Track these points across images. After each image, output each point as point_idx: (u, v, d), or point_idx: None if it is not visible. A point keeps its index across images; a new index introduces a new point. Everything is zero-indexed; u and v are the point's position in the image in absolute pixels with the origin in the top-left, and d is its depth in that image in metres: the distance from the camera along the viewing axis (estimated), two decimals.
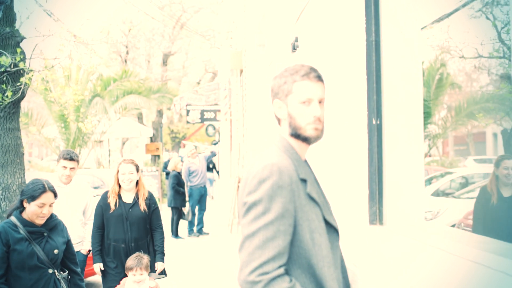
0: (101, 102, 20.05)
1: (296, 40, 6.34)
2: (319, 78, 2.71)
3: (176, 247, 13.75)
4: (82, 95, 18.80)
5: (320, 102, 2.69)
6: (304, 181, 2.61)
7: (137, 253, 6.10)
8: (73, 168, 6.92)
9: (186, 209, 15.30)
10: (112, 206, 6.49)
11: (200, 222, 15.85)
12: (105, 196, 6.63)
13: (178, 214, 15.24)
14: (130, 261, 5.98)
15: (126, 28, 28.89)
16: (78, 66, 20.28)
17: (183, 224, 16.08)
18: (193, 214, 15.62)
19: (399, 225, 4.06)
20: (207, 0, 27.77)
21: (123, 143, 38.75)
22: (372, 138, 4.12)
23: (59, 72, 19.13)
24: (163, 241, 6.69)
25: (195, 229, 15.83)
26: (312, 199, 2.60)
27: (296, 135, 2.70)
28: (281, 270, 2.42)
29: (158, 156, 26.29)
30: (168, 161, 22.96)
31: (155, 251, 6.65)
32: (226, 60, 17.40)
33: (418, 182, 4.19)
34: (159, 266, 6.57)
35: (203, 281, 10.26)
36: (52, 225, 5.03)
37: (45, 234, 4.91)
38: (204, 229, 16.01)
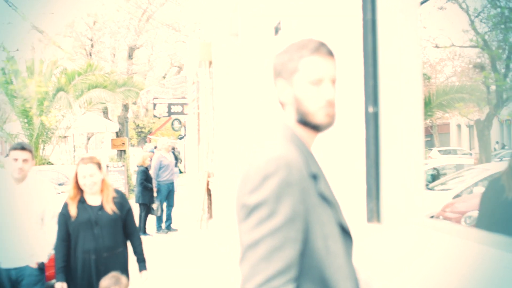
0: (66, 97, 19.52)
1: (279, 23, 5.93)
2: (331, 53, 2.30)
3: (145, 245, 13.33)
4: (46, 87, 18.35)
5: (332, 82, 2.29)
6: (314, 177, 2.19)
7: (112, 274, 5.26)
8: (26, 160, 5.93)
9: (155, 205, 14.95)
10: (72, 213, 5.57)
11: (169, 218, 15.55)
12: (67, 203, 5.70)
13: (146, 210, 14.92)
14: (106, 281, 5.15)
15: (90, 20, 28.31)
16: (41, 60, 19.90)
17: (150, 221, 15.68)
18: (162, 210, 15.30)
19: (397, 223, 3.70)
20: None
21: (88, 139, 38.12)
22: (369, 128, 3.74)
23: (21, 64, 18.75)
24: (142, 246, 6.00)
25: (163, 225, 15.52)
26: (324, 198, 2.19)
27: (304, 122, 2.27)
28: (291, 286, 2.00)
29: (124, 151, 26.04)
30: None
31: (137, 259, 5.93)
32: (194, 52, 17.01)
33: (418, 176, 3.82)
34: (143, 275, 5.89)
35: (173, 279, 9.91)
36: None
37: None
38: (172, 225, 15.67)
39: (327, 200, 2.20)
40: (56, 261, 5.59)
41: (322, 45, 2.29)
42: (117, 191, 5.90)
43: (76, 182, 5.65)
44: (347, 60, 4.09)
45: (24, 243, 5.73)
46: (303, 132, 2.30)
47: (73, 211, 5.58)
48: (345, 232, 2.28)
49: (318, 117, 2.25)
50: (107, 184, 5.78)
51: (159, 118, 29.25)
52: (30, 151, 6.07)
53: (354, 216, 3.95)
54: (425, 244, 3.29)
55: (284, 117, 2.35)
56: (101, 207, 5.65)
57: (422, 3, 4.07)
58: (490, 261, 2.67)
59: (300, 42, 2.31)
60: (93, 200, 5.69)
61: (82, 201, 5.66)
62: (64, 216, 5.62)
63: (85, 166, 5.60)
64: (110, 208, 5.65)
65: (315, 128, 2.28)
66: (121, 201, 5.80)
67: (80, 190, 5.69)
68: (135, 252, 5.93)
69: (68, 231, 5.61)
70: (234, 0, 9.37)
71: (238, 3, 8.94)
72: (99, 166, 5.70)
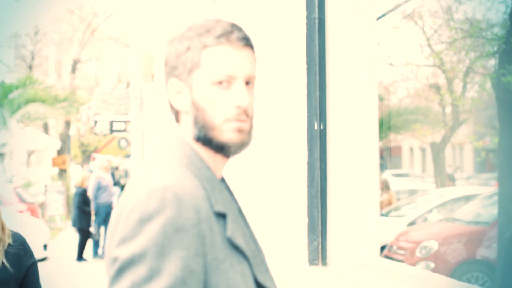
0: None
1: None
2: (247, 41, 1.57)
3: (80, 272, 12.52)
4: None
5: (247, 82, 1.56)
6: (222, 216, 1.47)
7: None
8: None
9: (93, 228, 14.20)
10: None
11: None
12: None
13: (83, 235, 14.13)
14: None
15: (31, 31, 27.48)
16: None
17: (88, 245, 14.88)
18: (99, 234, 14.52)
19: (347, 266, 3.03)
20: (120, 4, 26.67)
21: (29, 155, 36.94)
22: (314, 149, 3.07)
23: None
24: None
25: (100, 250, 14.68)
26: (236, 248, 1.47)
27: (206, 140, 1.55)
28: None
29: (65, 170, 25.15)
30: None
31: None
32: (137, 66, 16.37)
33: (372, 207, 3.16)
34: None
35: None
36: None
37: None
38: None
39: (240, 250, 1.47)
40: None
41: (235, 28, 1.57)
42: (16, 236, 3.78)
43: None
44: (287, 66, 3.42)
45: None
46: (205, 153, 1.58)
47: None
48: None
49: (224, 134, 1.53)
50: (2, 224, 3.61)
51: (105, 135, 28.42)
52: None
53: (292, 258, 3.25)
54: None
55: (179, 131, 1.63)
56: None
57: (378, 18, 3.46)
58: None
59: (204, 24, 1.58)
60: None
61: None
62: None
63: None
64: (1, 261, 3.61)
65: (220, 149, 1.56)
66: (18, 252, 3.73)
67: None
68: None
69: None
70: (173, 9, 8.78)
71: (177, 13, 8.35)
72: None
